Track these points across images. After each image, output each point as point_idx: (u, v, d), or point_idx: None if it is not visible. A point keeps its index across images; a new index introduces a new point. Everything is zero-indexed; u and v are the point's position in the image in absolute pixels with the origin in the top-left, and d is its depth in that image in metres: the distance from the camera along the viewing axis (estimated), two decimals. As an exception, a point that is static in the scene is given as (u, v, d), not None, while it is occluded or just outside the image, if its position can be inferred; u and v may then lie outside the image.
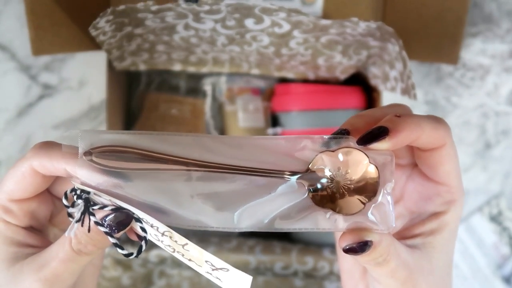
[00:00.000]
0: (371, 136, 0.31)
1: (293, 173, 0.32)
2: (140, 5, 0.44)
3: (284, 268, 0.56)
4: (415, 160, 0.36)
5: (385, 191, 0.31)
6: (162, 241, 0.33)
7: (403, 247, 0.34)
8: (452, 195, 0.35)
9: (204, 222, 0.32)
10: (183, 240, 0.32)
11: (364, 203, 0.31)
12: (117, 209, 0.32)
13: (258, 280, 0.63)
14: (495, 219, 0.66)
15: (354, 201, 0.32)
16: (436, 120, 0.33)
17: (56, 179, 0.37)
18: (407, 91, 0.47)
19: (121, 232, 0.33)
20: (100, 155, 0.31)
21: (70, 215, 0.34)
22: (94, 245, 0.34)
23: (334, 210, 0.31)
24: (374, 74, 0.54)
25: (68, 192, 0.34)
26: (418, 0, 0.56)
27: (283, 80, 0.61)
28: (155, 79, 0.64)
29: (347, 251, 0.32)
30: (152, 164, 0.31)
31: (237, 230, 0.32)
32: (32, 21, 0.50)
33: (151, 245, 0.57)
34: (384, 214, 0.32)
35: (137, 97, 0.63)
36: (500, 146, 0.66)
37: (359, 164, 0.31)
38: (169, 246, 0.33)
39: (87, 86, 0.66)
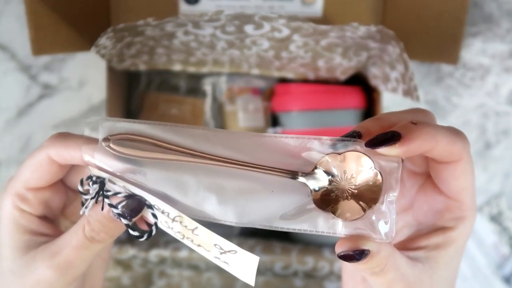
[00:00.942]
0: (380, 140, 0.30)
1: (298, 173, 0.32)
2: (140, 22, 0.44)
3: (284, 268, 0.56)
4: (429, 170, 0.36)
5: (388, 200, 0.31)
6: (172, 228, 0.33)
7: (404, 259, 0.33)
8: (463, 212, 0.34)
9: (207, 214, 0.33)
10: (193, 224, 0.33)
11: (365, 210, 0.31)
12: (130, 196, 0.33)
13: (258, 280, 0.63)
14: (495, 219, 0.66)
15: (356, 207, 0.31)
16: (455, 133, 0.32)
17: (71, 170, 0.38)
18: (409, 92, 0.47)
19: (134, 219, 0.34)
20: (117, 142, 0.32)
21: (83, 203, 0.35)
22: (107, 233, 0.35)
23: (334, 214, 0.31)
24: (374, 74, 0.54)
25: (84, 179, 0.35)
26: (418, 0, 0.56)
27: (283, 80, 0.61)
28: (155, 79, 0.64)
29: (342, 257, 0.31)
30: (164, 154, 0.32)
31: (238, 225, 0.33)
32: (32, 21, 0.50)
33: (151, 245, 0.57)
34: (385, 223, 0.31)
35: (137, 97, 0.63)
36: (500, 146, 0.66)
37: (364, 169, 0.31)
38: (179, 232, 0.33)
39: (87, 86, 0.66)
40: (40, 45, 0.50)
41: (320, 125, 0.56)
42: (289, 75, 0.57)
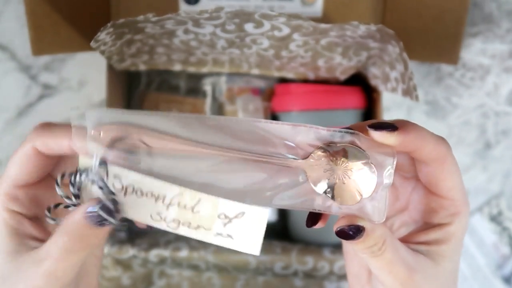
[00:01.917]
0: (381, 125, 0.32)
1: (296, 159, 0.32)
2: (140, 17, 0.44)
3: (284, 268, 0.56)
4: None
5: (381, 190, 0.32)
6: (165, 218, 0.33)
7: (404, 246, 0.35)
8: (456, 208, 0.36)
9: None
10: (196, 197, 0.33)
11: (360, 197, 0.32)
12: (110, 198, 0.33)
13: (258, 280, 0.63)
14: (495, 219, 0.66)
15: (352, 194, 0.32)
16: (439, 137, 0.34)
17: (59, 163, 0.37)
18: (409, 92, 0.47)
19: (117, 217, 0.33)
20: (107, 129, 0.32)
21: (56, 206, 0.35)
22: (85, 242, 0.34)
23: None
24: (374, 74, 0.54)
25: (66, 175, 0.33)
26: (418, 0, 0.56)
27: (283, 80, 0.61)
28: (155, 79, 0.64)
29: (339, 233, 0.33)
30: (157, 141, 0.32)
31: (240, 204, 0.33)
32: (32, 21, 0.50)
33: (151, 245, 0.57)
34: (377, 209, 0.32)
35: (137, 97, 0.63)
36: (500, 146, 0.66)
37: (360, 160, 0.32)
38: (173, 221, 0.33)
39: (87, 86, 0.66)
40: (40, 45, 0.51)
41: (320, 125, 0.56)
42: (289, 75, 0.57)
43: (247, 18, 0.45)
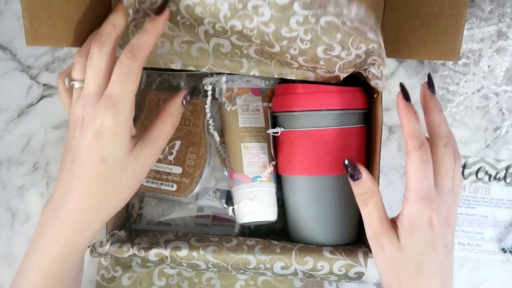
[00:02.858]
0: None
1: None
2: None
3: (283, 268, 0.56)
4: None
5: None
6: None
7: (385, 213, 0.49)
8: (406, 197, 0.48)
9: None
10: None
11: None
12: None
13: (257, 279, 0.63)
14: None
15: None
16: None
17: None
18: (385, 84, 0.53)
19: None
20: None
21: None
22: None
23: None
24: (374, 74, 0.54)
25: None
26: (418, -2, 0.56)
27: (284, 81, 0.61)
28: (156, 79, 0.64)
29: (346, 165, 0.50)
30: None
31: None
32: (27, 11, 0.50)
33: (151, 245, 0.57)
34: None
35: (137, 97, 0.63)
36: (504, 124, 0.66)
37: None
38: None
39: (87, 86, 0.66)
40: (34, 36, 0.50)
41: (321, 126, 0.56)
42: (290, 75, 0.57)
43: None
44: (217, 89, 0.61)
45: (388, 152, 0.67)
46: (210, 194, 0.63)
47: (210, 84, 0.61)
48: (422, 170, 0.47)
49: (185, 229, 0.63)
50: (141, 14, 0.53)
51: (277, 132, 0.58)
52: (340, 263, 0.55)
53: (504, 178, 0.66)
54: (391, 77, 0.66)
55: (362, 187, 0.50)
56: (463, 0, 0.54)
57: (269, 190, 0.60)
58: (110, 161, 0.47)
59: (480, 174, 0.67)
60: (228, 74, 0.60)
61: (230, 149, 0.60)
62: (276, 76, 0.56)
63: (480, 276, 0.67)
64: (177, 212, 0.64)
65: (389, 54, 0.58)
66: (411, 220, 0.47)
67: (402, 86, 0.51)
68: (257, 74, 0.56)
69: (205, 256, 0.56)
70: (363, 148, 0.58)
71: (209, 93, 0.60)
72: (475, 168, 0.67)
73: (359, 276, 0.56)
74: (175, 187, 0.60)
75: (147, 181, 0.60)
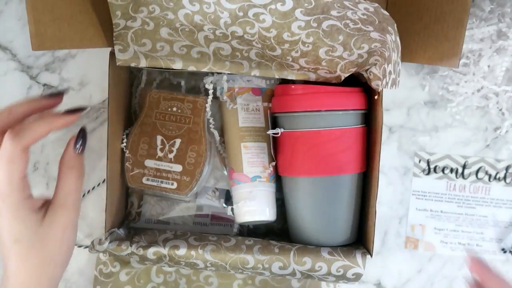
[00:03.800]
0: None
1: None
2: None
3: (282, 268, 0.56)
4: None
5: None
6: None
7: None
8: None
9: None
10: None
11: None
12: None
13: (256, 279, 0.63)
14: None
15: None
16: None
17: None
18: (395, 81, 0.48)
19: None
20: None
21: None
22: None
23: None
24: (375, 74, 0.54)
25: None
26: (420, 3, 0.56)
27: (284, 81, 0.61)
28: (156, 77, 0.64)
29: None
30: None
31: None
32: (32, 16, 0.50)
33: (150, 243, 0.57)
34: None
35: (138, 95, 0.64)
36: (504, 125, 0.66)
37: None
38: None
39: (87, 86, 0.66)
40: (40, 40, 0.50)
41: (321, 127, 0.56)
42: (290, 76, 0.57)
43: None
44: (218, 88, 0.61)
45: (388, 152, 0.66)
46: (210, 193, 0.63)
47: (211, 83, 0.61)
48: None
49: (184, 228, 0.63)
50: (139, 22, 0.54)
51: (277, 133, 0.58)
52: (338, 264, 0.55)
53: (504, 178, 0.66)
54: (390, 77, 0.66)
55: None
56: (464, 7, 0.54)
57: (268, 190, 0.60)
58: (24, 241, 0.46)
59: (480, 174, 0.67)
60: (229, 74, 0.60)
61: (230, 149, 0.60)
62: (277, 77, 0.56)
63: (480, 276, 0.66)
64: (176, 210, 0.64)
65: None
66: None
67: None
68: (257, 75, 0.56)
69: (204, 255, 0.56)
70: (363, 148, 0.58)
71: (211, 92, 0.60)
72: (475, 168, 0.67)
73: (357, 277, 0.56)
74: (175, 185, 0.60)
75: (147, 179, 0.60)
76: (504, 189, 0.66)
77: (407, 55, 0.56)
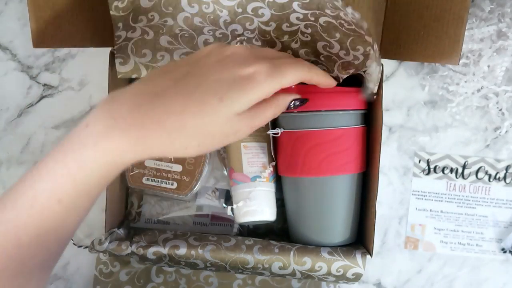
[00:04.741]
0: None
1: None
2: None
3: (282, 268, 0.56)
4: None
5: None
6: None
7: None
8: None
9: None
10: None
11: None
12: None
13: (255, 279, 0.63)
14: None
15: None
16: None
17: None
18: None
19: None
20: None
21: None
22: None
23: None
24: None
25: None
26: (419, 1, 0.56)
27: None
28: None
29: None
30: None
31: None
32: (33, 13, 0.50)
33: (149, 242, 0.57)
34: None
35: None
36: (504, 125, 0.65)
37: None
38: None
39: (87, 86, 0.66)
40: (41, 38, 0.51)
41: (321, 127, 0.56)
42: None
43: None
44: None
45: (388, 152, 0.66)
46: (209, 193, 0.63)
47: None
48: None
49: (184, 228, 0.63)
50: (139, 32, 0.54)
51: (277, 133, 0.58)
52: (338, 264, 0.55)
53: (504, 178, 0.66)
54: (391, 77, 0.66)
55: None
56: (464, 4, 0.54)
57: (268, 190, 0.60)
58: (226, 104, 0.40)
59: (480, 174, 0.67)
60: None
61: (229, 148, 0.61)
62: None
63: (480, 276, 0.66)
64: (176, 211, 0.64)
65: (390, 56, 0.58)
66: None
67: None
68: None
69: (204, 255, 0.56)
70: (363, 148, 0.58)
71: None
72: (475, 168, 0.67)
73: (357, 277, 0.56)
74: (175, 185, 0.60)
75: (147, 179, 0.60)
76: (504, 189, 0.66)
77: (406, 54, 0.56)
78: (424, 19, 0.56)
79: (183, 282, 0.63)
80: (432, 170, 0.67)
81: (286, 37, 0.52)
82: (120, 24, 0.53)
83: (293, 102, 0.50)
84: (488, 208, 0.66)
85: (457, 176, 0.67)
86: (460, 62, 0.63)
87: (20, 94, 0.66)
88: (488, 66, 0.63)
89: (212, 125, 0.40)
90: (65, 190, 0.39)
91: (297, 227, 0.59)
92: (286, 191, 0.60)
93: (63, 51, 0.66)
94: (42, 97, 0.66)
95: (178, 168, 0.60)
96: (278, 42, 0.53)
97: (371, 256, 0.56)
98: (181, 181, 0.60)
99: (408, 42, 0.56)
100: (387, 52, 0.57)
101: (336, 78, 0.57)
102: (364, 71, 0.55)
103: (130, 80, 0.63)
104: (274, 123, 0.60)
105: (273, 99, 0.46)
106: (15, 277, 0.40)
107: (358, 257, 0.56)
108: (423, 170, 0.67)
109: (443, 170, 0.67)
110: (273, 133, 0.58)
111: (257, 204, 0.59)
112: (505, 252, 0.66)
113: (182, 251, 0.56)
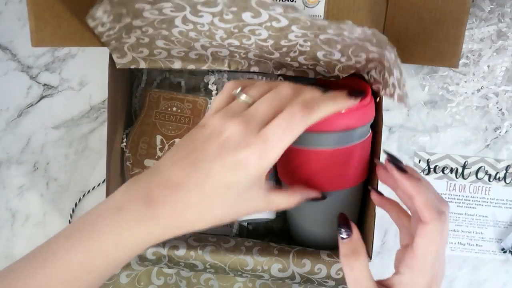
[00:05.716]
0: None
1: None
2: None
3: (281, 270, 0.56)
4: None
5: None
6: None
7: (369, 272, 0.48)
8: (411, 262, 0.46)
9: None
10: None
11: None
12: None
13: (256, 282, 0.63)
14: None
15: None
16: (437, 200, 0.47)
17: None
18: (403, 98, 0.47)
19: None
20: None
21: None
22: None
23: None
24: (375, 78, 0.54)
25: None
26: (419, 4, 0.56)
27: (285, 78, 0.60)
28: (157, 77, 0.64)
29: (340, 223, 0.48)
30: None
31: None
32: (33, 11, 0.50)
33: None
34: None
35: (138, 95, 0.64)
36: (504, 125, 0.66)
37: None
38: None
39: (87, 86, 0.66)
40: (40, 37, 0.50)
41: (325, 146, 0.54)
42: (289, 73, 0.57)
43: (244, 7, 0.44)
44: (219, 87, 0.61)
45: (388, 152, 0.66)
46: (209, 194, 0.63)
47: (214, 83, 0.61)
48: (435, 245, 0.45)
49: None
50: (134, 39, 0.53)
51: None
52: (337, 266, 0.55)
53: (504, 178, 0.66)
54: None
55: (350, 246, 0.47)
56: (464, 7, 0.54)
57: (267, 189, 0.60)
58: (233, 190, 0.44)
59: (480, 174, 0.67)
60: (229, 72, 0.60)
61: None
62: (276, 73, 0.56)
63: (480, 276, 0.66)
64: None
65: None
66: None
67: (390, 156, 0.48)
68: (257, 71, 0.56)
69: (203, 256, 0.56)
70: (368, 157, 0.56)
71: (214, 92, 0.60)
72: (475, 168, 0.67)
73: (356, 278, 0.56)
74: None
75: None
76: (504, 189, 0.66)
77: (406, 56, 0.56)
78: (424, 22, 0.56)
79: (183, 285, 0.63)
80: (432, 170, 0.67)
81: (284, 49, 0.52)
82: (113, 42, 0.53)
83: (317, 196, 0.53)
84: (488, 208, 0.66)
85: (457, 176, 0.67)
86: (460, 62, 0.63)
87: (20, 94, 0.66)
88: (488, 66, 0.63)
89: (222, 210, 0.45)
90: (97, 264, 0.42)
91: (297, 228, 0.59)
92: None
93: (63, 51, 0.66)
94: (42, 97, 0.66)
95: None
96: (276, 52, 0.53)
97: (370, 259, 0.56)
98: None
99: (407, 45, 0.56)
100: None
101: (336, 77, 0.56)
102: (367, 73, 0.54)
103: (131, 74, 0.63)
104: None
105: (293, 192, 0.51)
106: None
107: (358, 258, 0.56)
108: (423, 170, 0.67)
109: (443, 170, 0.67)
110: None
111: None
112: (505, 252, 0.66)
113: (182, 251, 0.56)
